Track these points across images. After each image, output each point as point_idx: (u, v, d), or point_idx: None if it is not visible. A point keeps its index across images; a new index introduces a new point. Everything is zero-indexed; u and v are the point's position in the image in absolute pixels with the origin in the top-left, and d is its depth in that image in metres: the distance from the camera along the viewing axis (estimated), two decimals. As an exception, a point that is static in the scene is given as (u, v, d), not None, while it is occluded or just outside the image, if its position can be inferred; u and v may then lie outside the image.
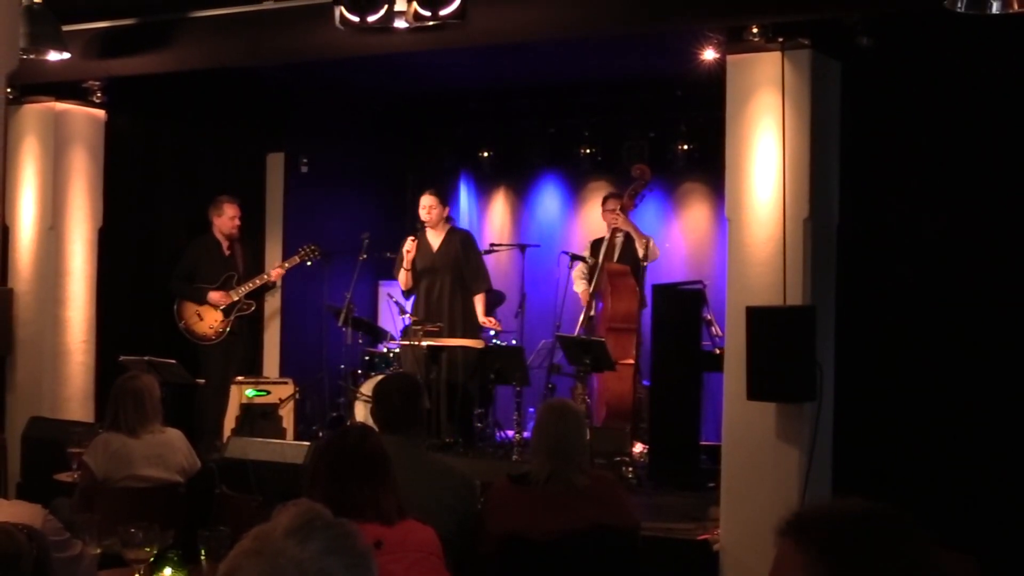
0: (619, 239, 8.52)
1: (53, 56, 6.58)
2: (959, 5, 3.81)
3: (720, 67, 6.04)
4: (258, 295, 8.72)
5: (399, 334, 8.76)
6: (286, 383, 8.69)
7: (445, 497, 4.06)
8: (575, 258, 8.73)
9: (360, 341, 8.96)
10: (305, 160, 9.55)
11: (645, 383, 8.07)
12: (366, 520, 3.14)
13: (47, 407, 7.49)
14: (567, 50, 7.88)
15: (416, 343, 8.02)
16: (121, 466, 5.17)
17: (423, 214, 8.37)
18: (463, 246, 8.41)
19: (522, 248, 9.14)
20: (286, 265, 8.67)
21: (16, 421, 7.43)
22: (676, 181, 9.69)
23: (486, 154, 10.17)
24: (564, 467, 4.20)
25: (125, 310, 8.31)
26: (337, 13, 5.99)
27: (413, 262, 8.29)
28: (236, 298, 8.43)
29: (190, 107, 8.58)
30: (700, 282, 8.22)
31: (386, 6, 5.90)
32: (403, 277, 8.36)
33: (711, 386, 7.43)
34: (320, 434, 8.24)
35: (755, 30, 5.67)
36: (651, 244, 8.40)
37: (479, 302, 8.41)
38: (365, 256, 8.64)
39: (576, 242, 9.61)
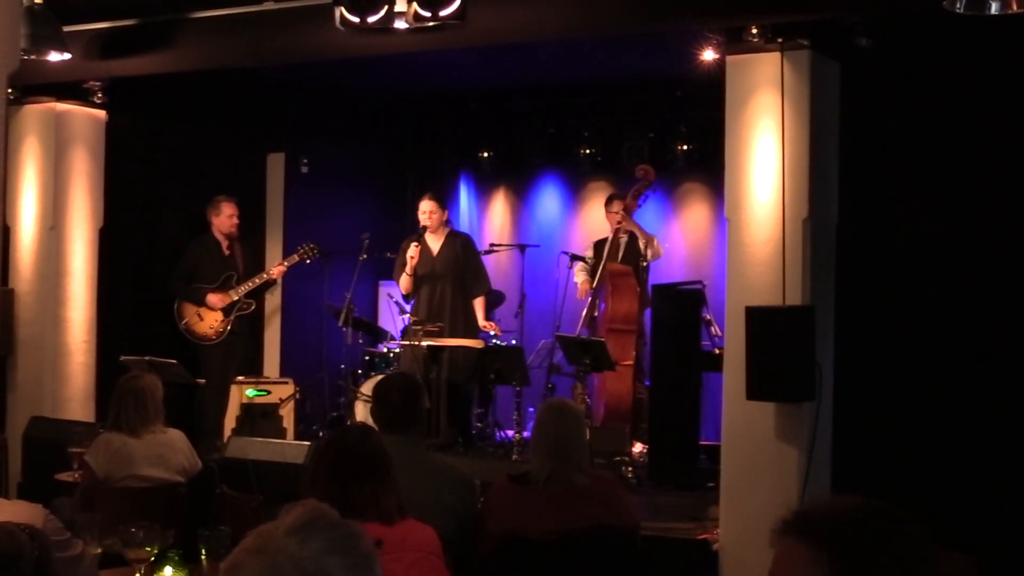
0: (623, 239, 8.51)
1: (54, 57, 6.58)
2: (958, 6, 3.82)
3: (720, 67, 6.04)
4: (258, 294, 8.72)
5: (399, 334, 8.76)
6: (286, 383, 8.69)
7: (445, 497, 4.07)
8: (575, 258, 8.72)
9: (360, 341, 8.95)
10: (305, 160, 9.54)
11: (647, 383, 8.07)
12: (366, 519, 3.15)
13: (48, 407, 7.50)
14: (567, 50, 7.87)
15: (416, 343, 8.02)
16: (122, 466, 5.18)
17: (423, 219, 8.30)
18: (463, 250, 8.39)
19: (522, 248, 9.14)
20: (286, 263, 8.68)
21: (17, 421, 7.43)
22: (676, 181, 9.67)
23: (486, 154, 10.15)
24: (564, 467, 4.20)
25: (126, 310, 8.31)
26: (337, 14, 5.99)
27: (415, 267, 8.28)
28: (236, 297, 8.43)
29: (191, 107, 8.58)
30: (700, 282, 8.21)
31: (386, 7, 5.90)
32: (404, 282, 8.31)
33: (711, 386, 7.43)
34: (320, 434, 8.23)
35: (754, 31, 5.68)
36: (655, 242, 8.41)
37: (479, 306, 8.39)
38: (365, 256, 8.63)
39: (576, 242, 9.60)
